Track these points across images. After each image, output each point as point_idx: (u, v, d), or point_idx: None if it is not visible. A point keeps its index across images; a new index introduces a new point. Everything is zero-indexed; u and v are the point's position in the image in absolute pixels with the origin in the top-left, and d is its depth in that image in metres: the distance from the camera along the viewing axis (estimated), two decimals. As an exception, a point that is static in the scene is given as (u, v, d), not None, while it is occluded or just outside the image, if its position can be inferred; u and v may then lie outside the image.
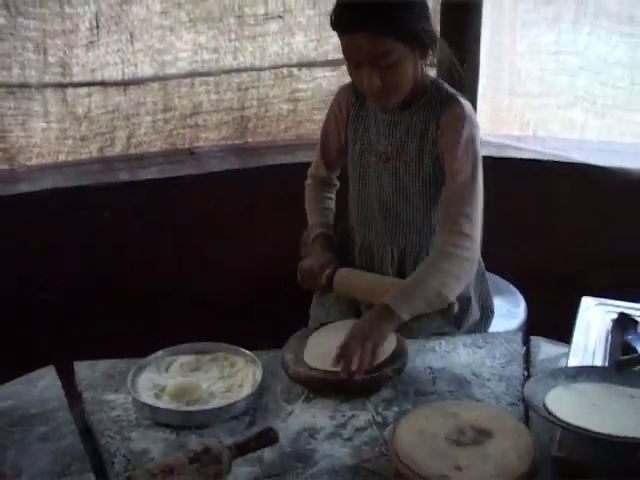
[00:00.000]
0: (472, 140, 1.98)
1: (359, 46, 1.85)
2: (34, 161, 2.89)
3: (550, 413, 1.45)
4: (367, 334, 1.79)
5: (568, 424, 1.41)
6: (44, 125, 2.85)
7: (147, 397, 1.73)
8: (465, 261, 1.92)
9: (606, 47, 2.95)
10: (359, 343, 1.76)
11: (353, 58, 1.89)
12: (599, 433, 1.37)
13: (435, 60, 2.03)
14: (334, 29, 1.90)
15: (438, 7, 2.94)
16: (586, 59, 2.99)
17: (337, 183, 2.31)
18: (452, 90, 2.04)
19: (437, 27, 2.95)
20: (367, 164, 2.11)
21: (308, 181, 2.31)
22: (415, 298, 1.87)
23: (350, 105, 2.13)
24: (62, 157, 2.92)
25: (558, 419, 1.43)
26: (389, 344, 1.83)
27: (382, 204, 2.09)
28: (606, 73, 2.98)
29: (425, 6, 1.93)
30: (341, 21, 1.88)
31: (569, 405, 1.47)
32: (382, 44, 1.85)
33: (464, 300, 2.06)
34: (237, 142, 3.09)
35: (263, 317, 2.72)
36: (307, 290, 2.13)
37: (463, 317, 2.09)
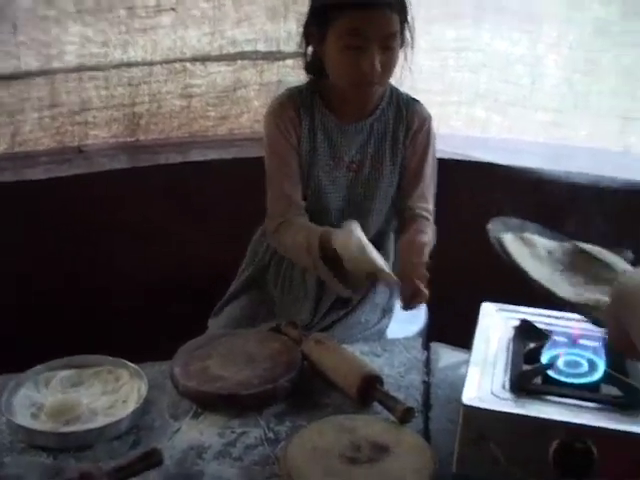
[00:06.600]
0: (434, 140, 2.18)
1: (378, 22, 1.91)
2: None
3: None
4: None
5: None
6: None
7: (23, 417, 1.59)
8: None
9: (508, 44, 2.93)
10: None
11: (368, 35, 1.90)
12: None
13: None
14: (346, 6, 1.90)
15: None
16: (488, 56, 2.96)
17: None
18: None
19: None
20: (331, 177, 2.10)
21: (275, 238, 2.15)
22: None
23: (298, 122, 2.09)
24: (-60, 155, 2.74)
25: None
26: None
27: (341, 215, 2.11)
28: (508, 70, 2.96)
29: None
30: None
31: None
32: (395, 24, 1.94)
33: None
34: (128, 140, 2.95)
35: (152, 326, 2.60)
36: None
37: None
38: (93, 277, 2.78)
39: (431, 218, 2.16)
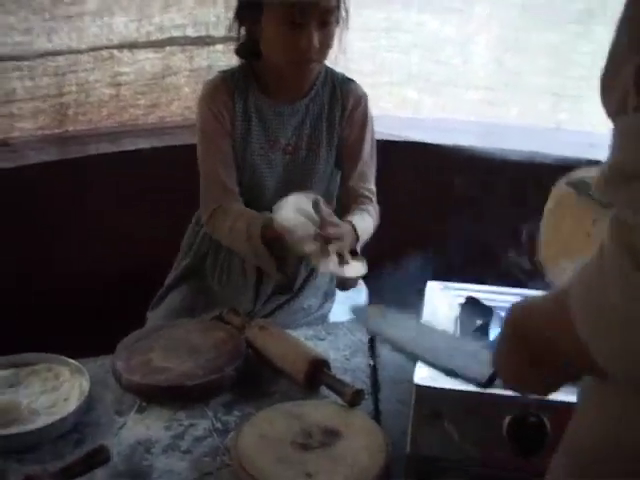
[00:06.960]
0: (371, 119, 2.16)
1: None
2: None
3: None
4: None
5: None
6: None
7: (-42, 420, 1.53)
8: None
9: (437, 24, 2.92)
10: None
11: (307, 9, 1.86)
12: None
13: None
14: None
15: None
16: (418, 36, 2.95)
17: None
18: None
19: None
20: (267, 161, 2.07)
21: (210, 225, 2.11)
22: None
23: (231, 106, 2.05)
24: None
25: None
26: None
27: (278, 198, 2.02)
28: (439, 50, 2.95)
29: None
30: None
31: None
32: None
33: None
34: (56, 131, 2.85)
35: (88, 321, 2.54)
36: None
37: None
38: (26, 273, 2.70)
39: (373, 198, 2.15)
